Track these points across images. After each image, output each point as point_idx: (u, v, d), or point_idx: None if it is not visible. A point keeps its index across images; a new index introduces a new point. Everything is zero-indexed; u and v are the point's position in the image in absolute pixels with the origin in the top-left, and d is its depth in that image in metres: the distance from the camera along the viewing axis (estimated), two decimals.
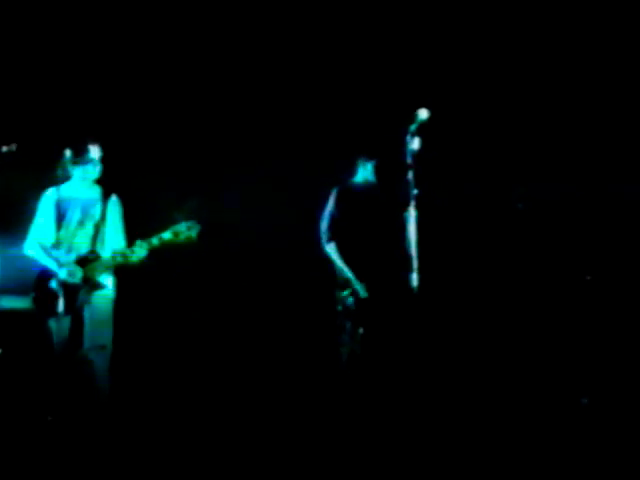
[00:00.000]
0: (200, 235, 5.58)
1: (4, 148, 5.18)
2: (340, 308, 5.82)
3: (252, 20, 7.11)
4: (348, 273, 5.77)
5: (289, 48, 7.10)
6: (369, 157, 5.91)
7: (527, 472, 5.03)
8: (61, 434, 5.43)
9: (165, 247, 5.56)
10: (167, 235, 5.54)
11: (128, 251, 5.61)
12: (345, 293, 5.79)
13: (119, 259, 5.64)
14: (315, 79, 7.10)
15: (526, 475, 5.02)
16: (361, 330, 5.69)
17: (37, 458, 5.31)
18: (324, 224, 5.91)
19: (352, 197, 5.89)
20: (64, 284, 5.59)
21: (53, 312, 5.53)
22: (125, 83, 7.15)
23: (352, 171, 5.98)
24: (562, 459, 5.15)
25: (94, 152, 5.75)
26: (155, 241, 5.56)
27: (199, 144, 7.17)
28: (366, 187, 5.91)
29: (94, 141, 5.75)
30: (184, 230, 5.53)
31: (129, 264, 5.63)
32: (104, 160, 5.79)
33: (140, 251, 5.56)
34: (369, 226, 5.79)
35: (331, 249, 5.86)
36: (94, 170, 5.79)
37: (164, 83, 7.18)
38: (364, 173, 5.94)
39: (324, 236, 5.89)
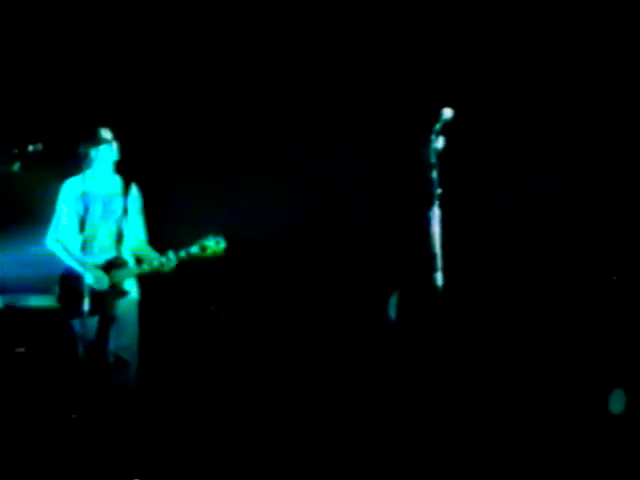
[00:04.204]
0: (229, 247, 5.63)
1: (30, 147, 5.21)
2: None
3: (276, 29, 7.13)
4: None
5: (312, 54, 7.11)
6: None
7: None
8: (86, 432, 5.45)
9: (192, 260, 5.60)
10: (194, 249, 5.58)
11: (156, 262, 5.63)
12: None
13: (146, 268, 5.67)
14: (336, 85, 7.10)
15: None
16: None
17: (62, 455, 5.34)
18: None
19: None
20: (90, 286, 5.59)
21: (78, 312, 5.51)
22: (150, 83, 7.18)
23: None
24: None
25: (106, 133, 5.78)
26: (183, 254, 5.59)
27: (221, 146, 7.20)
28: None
29: (103, 124, 5.78)
30: (212, 245, 5.58)
31: (155, 274, 5.67)
32: (119, 140, 5.83)
33: (168, 263, 5.59)
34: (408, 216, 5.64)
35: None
36: (111, 150, 5.81)
37: (187, 86, 7.21)
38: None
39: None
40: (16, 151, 5.18)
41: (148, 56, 7.21)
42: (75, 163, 5.67)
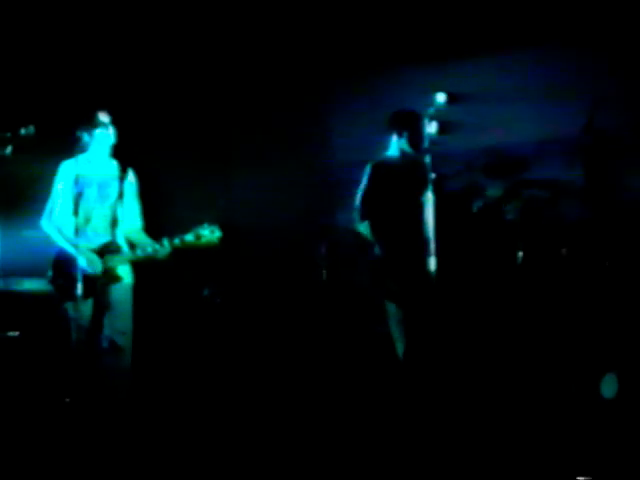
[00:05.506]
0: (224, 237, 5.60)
1: (22, 130, 5.20)
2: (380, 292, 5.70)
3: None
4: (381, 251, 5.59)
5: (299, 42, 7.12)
6: (401, 131, 5.74)
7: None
8: (79, 416, 5.45)
9: (186, 248, 5.57)
10: (189, 237, 5.53)
11: (150, 249, 5.60)
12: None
13: (140, 254, 5.65)
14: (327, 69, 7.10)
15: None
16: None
17: (55, 439, 5.35)
18: (357, 200, 5.76)
19: (385, 171, 5.74)
20: (83, 270, 5.58)
21: (72, 295, 5.48)
22: (150, 70, 7.19)
23: (386, 145, 5.87)
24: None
25: (103, 117, 5.76)
26: (177, 242, 5.54)
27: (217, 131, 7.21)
28: (400, 160, 5.76)
29: (101, 107, 5.77)
30: (206, 234, 5.51)
31: (149, 260, 5.65)
32: (117, 126, 5.80)
33: (162, 250, 5.56)
34: (401, 201, 5.62)
35: (364, 227, 5.70)
36: (108, 134, 5.79)
37: (186, 74, 7.22)
38: (398, 146, 5.80)
39: (357, 214, 5.74)
40: (8, 134, 5.18)
41: (147, 40, 7.20)
42: (72, 146, 5.66)
